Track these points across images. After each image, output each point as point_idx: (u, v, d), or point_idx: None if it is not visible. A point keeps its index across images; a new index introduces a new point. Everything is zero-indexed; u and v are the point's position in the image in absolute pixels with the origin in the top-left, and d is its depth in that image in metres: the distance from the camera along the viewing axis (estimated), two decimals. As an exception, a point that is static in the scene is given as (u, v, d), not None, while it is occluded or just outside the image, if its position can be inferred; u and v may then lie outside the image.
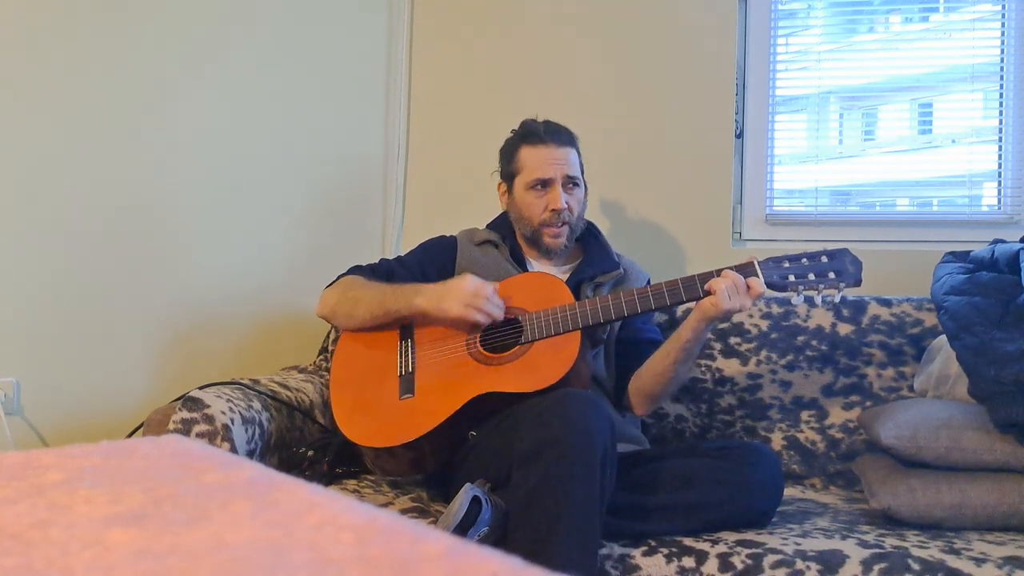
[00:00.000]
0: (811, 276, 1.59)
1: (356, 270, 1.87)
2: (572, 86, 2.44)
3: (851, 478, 1.89)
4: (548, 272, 1.85)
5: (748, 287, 1.57)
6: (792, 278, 1.60)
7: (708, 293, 1.59)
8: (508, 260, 1.87)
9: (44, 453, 0.68)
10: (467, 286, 1.66)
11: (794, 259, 1.61)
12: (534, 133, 1.86)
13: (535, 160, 1.84)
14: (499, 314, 1.67)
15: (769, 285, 1.60)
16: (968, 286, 1.73)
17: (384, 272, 1.86)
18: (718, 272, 1.60)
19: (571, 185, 1.84)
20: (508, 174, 1.90)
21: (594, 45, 2.44)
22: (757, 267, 1.60)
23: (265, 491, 0.58)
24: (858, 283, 1.59)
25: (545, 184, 1.83)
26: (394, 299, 1.73)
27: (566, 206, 1.82)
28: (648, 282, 1.95)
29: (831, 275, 1.59)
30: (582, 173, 1.88)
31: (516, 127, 1.93)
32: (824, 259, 1.60)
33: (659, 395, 1.76)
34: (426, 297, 1.69)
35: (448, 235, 1.97)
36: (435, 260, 1.90)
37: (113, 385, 2.03)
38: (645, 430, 1.96)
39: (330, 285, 1.85)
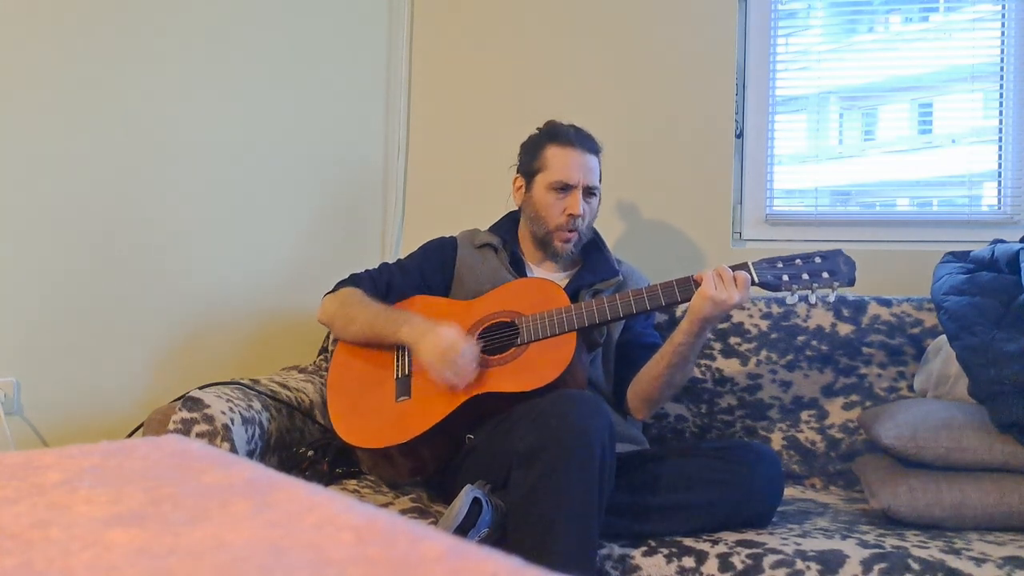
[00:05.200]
0: (805, 276, 1.60)
1: (356, 279, 1.86)
2: (572, 86, 2.44)
3: (851, 478, 1.89)
4: (546, 278, 1.84)
5: (736, 280, 1.57)
6: (786, 278, 1.61)
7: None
8: (506, 266, 1.86)
9: (44, 453, 0.68)
10: (447, 338, 1.61)
11: (788, 260, 1.63)
12: (563, 134, 1.85)
13: (561, 161, 1.82)
14: (460, 384, 1.61)
15: (764, 285, 1.61)
16: (968, 286, 1.73)
17: (385, 279, 1.86)
18: None
19: (590, 194, 1.84)
20: (529, 170, 1.87)
21: (594, 45, 2.44)
22: (751, 266, 1.61)
23: (265, 491, 0.58)
24: (851, 283, 1.60)
25: (567, 188, 1.81)
26: (383, 325, 1.73)
27: (582, 213, 1.81)
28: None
29: (825, 275, 1.60)
30: (599, 182, 1.88)
31: (541, 126, 1.92)
32: (818, 260, 1.62)
33: (656, 399, 1.75)
34: (409, 331, 1.68)
35: (449, 236, 1.96)
36: (435, 263, 1.90)
37: (113, 385, 2.03)
38: (645, 430, 1.96)
39: (331, 292, 1.86)
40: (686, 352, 1.64)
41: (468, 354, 1.61)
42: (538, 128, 1.92)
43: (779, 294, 1.63)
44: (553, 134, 1.86)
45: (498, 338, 1.69)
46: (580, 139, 1.84)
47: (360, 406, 1.70)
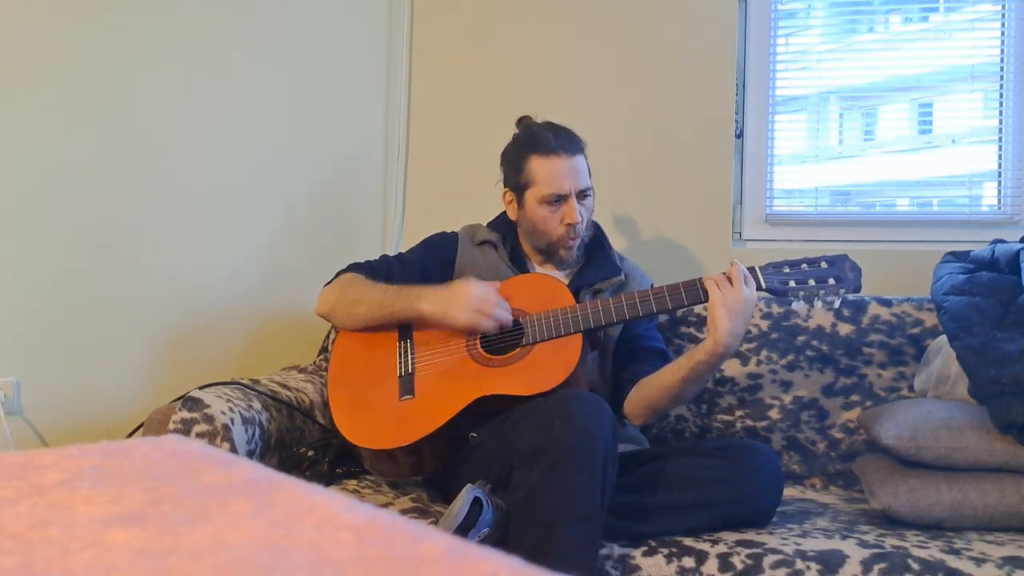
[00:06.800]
0: (811, 282, 1.59)
1: (355, 268, 1.85)
2: (572, 86, 2.44)
3: (851, 478, 1.89)
4: (549, 275, 1.84)
5: (731, 278, 1.54)
6: (792, 283, 1.59)
7: (707, 295, 1.57)
8: (507, 263, 1.86)
9: (44, 453, 0.68)
10: (474, 292, 1.65)
11: (794, 264, 1.61)
12: (544, 142, 1.78)
13: (548, 173, 1.77)
14: (508, 319, 1.66)
15: (770, 291, 1.60)
16: (968, 286, 1.73)
17: (384, 270, 1.84)
18: None
19: (583, 196, 1.81)
20: (517, 185, 1.82)
21: (594, 45, 2.44)
22: (758, 272, 1.60)
23: (265, 491, 0.58)
24: (857, 289, 1.58)
25: (560, 199, 1.78)
26: (396, 301, 1.71)
27: (580, 220, 1.79)
28: (651, 287, 1.94)
29: (831, 281, 1.58)
30: (590, 179, 1.84)
31: (517, 129, 1.88)
32: (824, 265, 1.60)
33: (660, 408, 1.71)
34: (431, 303, 1.67)
35: (450, 231, 1.96)
36: (435, 258, 1.89)
37: (113, 385, 2.03)
38: (645, 430, 1.96)
39: (329, 283, 1.84)
40: (703, 370, 1.58)
41: (496, 297, 1.66)
42: (514, 134, 1.88)
43: (784, 299, 1.63)
44: (533, 143, 1.80)
45: (502, 336, 1.68)
46: (561, 143, 1.78)
47: (363, 405, 1.69)
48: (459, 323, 1.64)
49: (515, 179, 1.83)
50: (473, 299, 1.64)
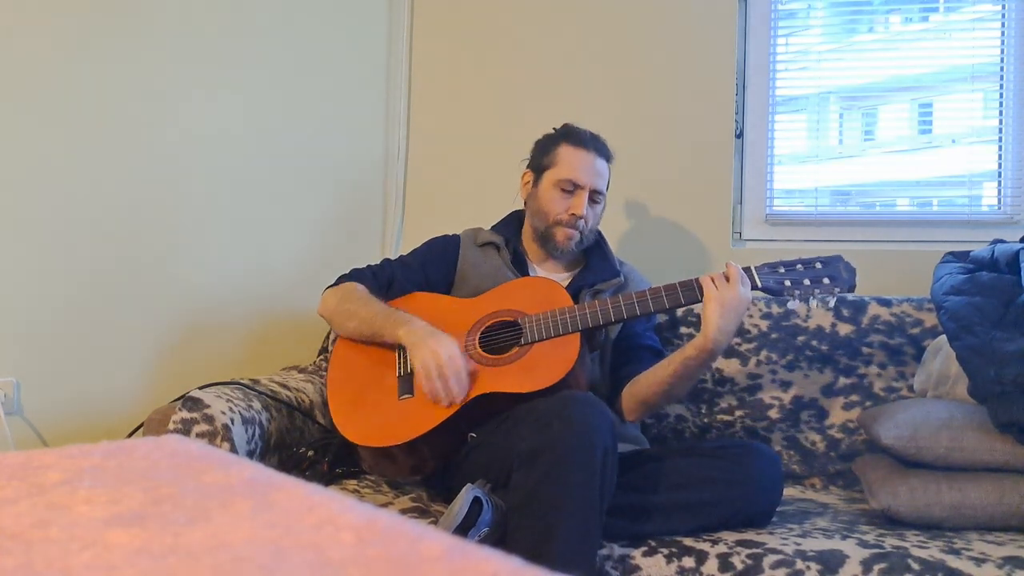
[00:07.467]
0: (806, 281, 1.60)
1: (357, 274, 1.86)
2: (572, 86, 2.44)
3: (851, 478, 1.89)
4: (549, 277, 1.84)
5: (728, 276, 1.57)
6: (788, 283, 1.61)
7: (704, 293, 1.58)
8: (508, 265, 1.86)
9: (44, 453, 0.68)
10: (444, 352, 1.59)
11: (789, 265, 1.63)
12: (578, 136, 1.87)
13: (573, 161, 1.83)
14: (452, 399, 1.59)
15: (766, 290, 1.61)
16: (968, 286, 1.73)
17: (386, 276, 1.86)
18: None
19: (595, 200, 1.85)
20: (540, 166, 1.88)
21: (594, 45, 2.44)
22: (754, 271, 1.61)
23: (265, 491, 0.58)
24: (852, 289, 1.60)
25: (574, 187, 1.82)
26: (383, 324, 1.72)
27: (584, 216, 1.82)
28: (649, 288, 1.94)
29: (826, 280, 1.60)
30: (606, 189, 1.88)
31: (557, 127, 1.93)
32: (819, 265, 1.62)
33: (651, 404, 1.73)
34: (408, 333, 1.66)
35: (452, 234, 1.96)
36: (438, 260, 1.90)
37: (113, 385, 2.03)
38: (645, 430, 1.96)
39: (332, 286, 1.85)
40: (692, 365, 1.61)
41: (462, 375, 1.59)
42: (554, 128, 1.93)
43: (780, 299, 1.64)
44: (568, 134, 1.88)
45: (501, 337, 1.69)
46: (594, 142, 1.86)
47: (362, 404, 1.70)
48: (414, 362, 1.63)
49: (539, 160, 1.89)
50: (438, 357, 1.58)
